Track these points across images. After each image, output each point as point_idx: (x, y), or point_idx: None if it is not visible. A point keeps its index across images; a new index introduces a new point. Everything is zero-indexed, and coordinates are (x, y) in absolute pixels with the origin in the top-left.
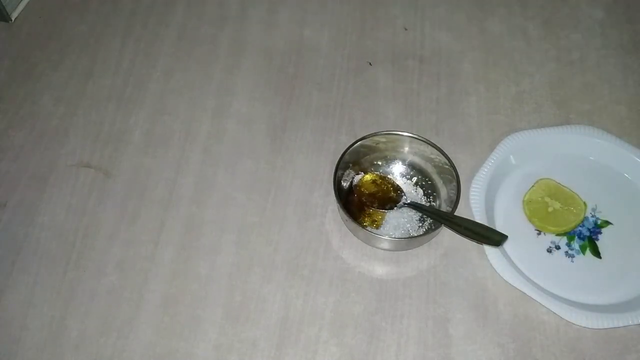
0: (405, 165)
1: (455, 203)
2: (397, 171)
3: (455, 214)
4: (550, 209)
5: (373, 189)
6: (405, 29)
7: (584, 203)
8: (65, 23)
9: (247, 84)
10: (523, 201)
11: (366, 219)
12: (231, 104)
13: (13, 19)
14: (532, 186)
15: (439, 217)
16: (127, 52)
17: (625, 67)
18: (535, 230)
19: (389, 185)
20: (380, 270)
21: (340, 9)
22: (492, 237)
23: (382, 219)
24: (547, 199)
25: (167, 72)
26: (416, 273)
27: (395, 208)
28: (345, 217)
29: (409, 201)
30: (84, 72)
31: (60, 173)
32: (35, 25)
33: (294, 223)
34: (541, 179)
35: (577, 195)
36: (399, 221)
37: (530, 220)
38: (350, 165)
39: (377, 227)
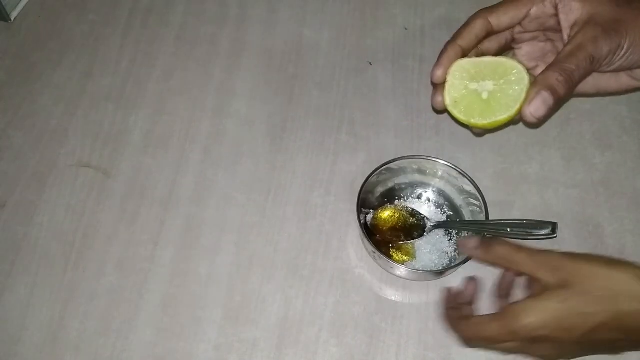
0: (405, 186)
1: (484, 206)
2: (402, 195)
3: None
4: (484, 95)
5: (392, 222)
6: (405, 29)
7: (519, 63)
8: (65, 23)
9: (247, 84)
10: (447, 108)
11: (394, 252)
12: (231, 104)
13: (12, 19)
14: (446, 82)
15: (479, 226)
16: (127, 52)
17: None
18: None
19: (405, 213)
20: (380, 270)
21: (340, 9)
22: (544, 228)
23: (413, 249)
24: (472, 86)
25: (167, 72)
26: None
27: (425, 234)
28: (386, 260)
29: (434, 222)
30: (84, 72)
31: (59, 173)
32: (34, 25)
33: (294, 223)
34: (451, 67)
35: (505, 57)
36: (430, 247)
37: (469, 123)
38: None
39: (412, 258)
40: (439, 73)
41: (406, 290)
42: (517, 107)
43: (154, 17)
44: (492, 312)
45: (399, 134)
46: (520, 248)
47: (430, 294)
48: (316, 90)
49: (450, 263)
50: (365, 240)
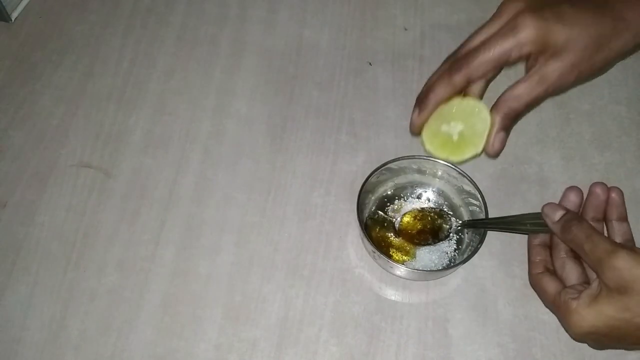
0: (405, 186)
1: (484, 206)
2: (402, 195)
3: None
4: (455, 137)
5: (419, 225)
6: (405, 29)
7: (482, 104)
8: (66, 23)
9: (247, 84)
10: (423, 142)
11: (394, 251)
12: (231, 104)
13: (13, 19)
14: None
15: (503, 224)
16: (127, 52)
17: (625, 67)
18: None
19: (432, 214)
20: (380, 270)
21: (340, 9)
22: None
23: (413, 248)
24: (444, 127)
25: (167, 72)
26: None
27: (451, 234)
28: (385, 260)
29: (459, 222)
30: (84, 72)
31: (60, 173)
32: (35, 25)
33: (294, 223)
34: None
35: (472, 99)
36: (429, 247)
37: (441, 158)
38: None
39: (411, 258)
40: (415, 129)
41: (406, 290)
42: (482, 146)
43: (155, 18)
44: (552, 290)
45: (399, 134)
46: (592, 235)
47: (430, 294)
48: (316, 90)
49: (450, 263)
50: (365, 240)
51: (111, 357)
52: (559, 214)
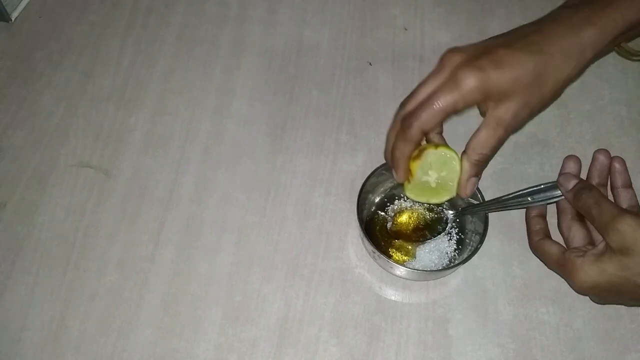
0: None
1: (479, 193)
2: (401, 195)
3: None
4: (433, 184)
5: (413, 223)
6: (405, 29)
7: (454, 152)
8: (65, 23)
9: (247, 84)
10: (405, 190)
11: (394, 251)
12: (231, 104)
13: (13, 19)
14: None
15: (502, 203)
16: (127, 52)
17: (625, 67)
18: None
19: (422, 210)
20: (380, 270)
21: (340, 9)
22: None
23: (413, 248)
24: (423, 178)
25: (167, 72)
26: None
27: (449, 226)
28: (385, 260)
29: (453, 212)
30: (84, 72)
31: (60, 173)
32: (35, 25)
33: (294, 223)
34: None
35: (444, 148)
36: (430, 247)
37: (422, 201)
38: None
39: (412, 258)
40: (402, 182)
41: (406, 290)
42: (455, 190)
43: (154, 18)
44: (555, 251)
45: None
46: (600, 201)
47: (430, 294)
48: (316, 90)
49: (450, 263)
50: (365, 240)
51: (111, 357)
52: (572, 183)
